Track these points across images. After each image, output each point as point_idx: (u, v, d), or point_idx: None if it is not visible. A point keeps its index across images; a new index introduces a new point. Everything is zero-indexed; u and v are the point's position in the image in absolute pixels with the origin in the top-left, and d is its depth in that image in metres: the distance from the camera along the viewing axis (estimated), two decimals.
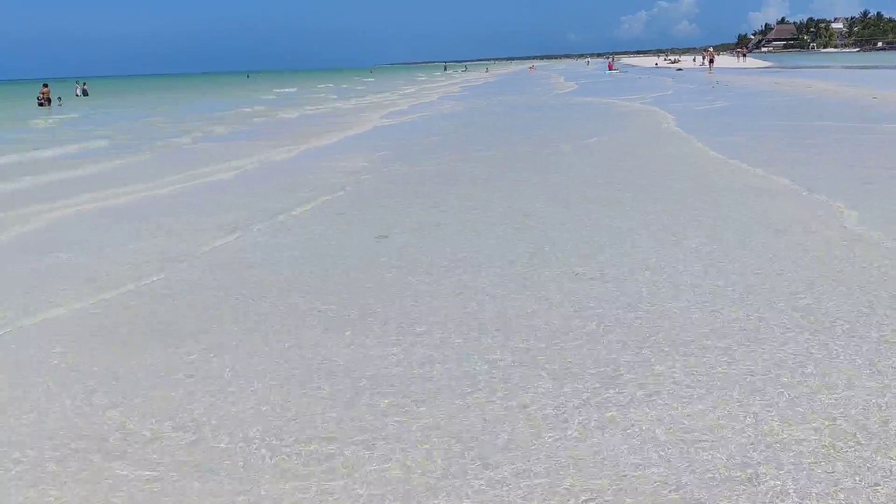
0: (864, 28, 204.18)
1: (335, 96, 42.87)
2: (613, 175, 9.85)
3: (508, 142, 14.54)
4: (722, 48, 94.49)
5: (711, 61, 64.86)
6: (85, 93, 56.34)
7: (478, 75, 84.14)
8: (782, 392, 3.30)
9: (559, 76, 66.35)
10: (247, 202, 8.66)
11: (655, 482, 2.64)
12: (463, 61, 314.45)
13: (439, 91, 43.26)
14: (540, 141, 14.20)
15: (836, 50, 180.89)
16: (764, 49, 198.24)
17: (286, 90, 55.79)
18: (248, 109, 30.31)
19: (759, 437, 2.91)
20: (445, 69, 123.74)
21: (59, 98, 43.17)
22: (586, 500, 2.56)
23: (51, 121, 28.38)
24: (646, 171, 10.09)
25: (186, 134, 19.37)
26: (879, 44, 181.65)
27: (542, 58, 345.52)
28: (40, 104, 40.37)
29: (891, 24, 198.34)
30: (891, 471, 2.65)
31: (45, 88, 42.28)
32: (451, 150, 13.93)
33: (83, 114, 33.28)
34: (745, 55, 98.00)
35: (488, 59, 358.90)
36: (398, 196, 9.06)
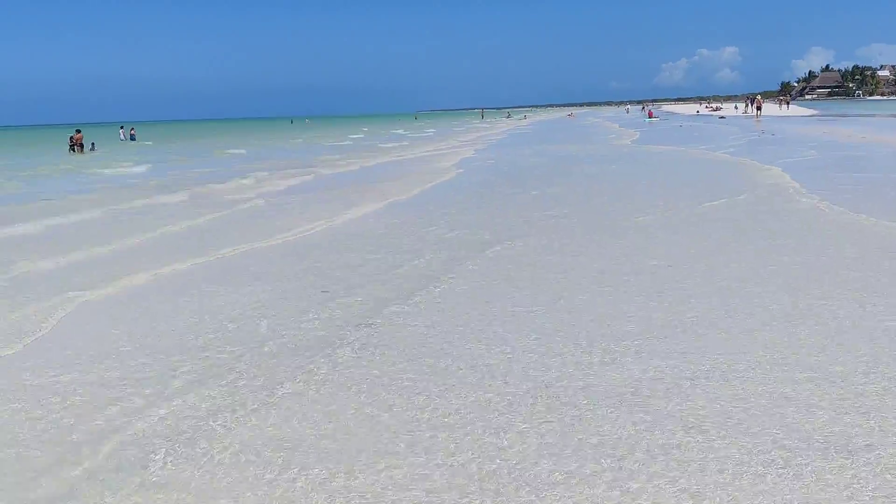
0: None
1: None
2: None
3: (600, 209, 11.77)
4: (764, 95, 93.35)
5: (759, 108, 64.18)
6: (132, 137, 57.47)
7: (516, 122, 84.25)
8: None
9: (608, 122, 66.39)
10: None
11: None
12: (502, 108, 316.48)
13: (485, 140, 41.48)
14: (641, 205, 11.67)
15: (882, 98, 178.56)
16: (808, 97, 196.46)
17: (355, 135, 56.79)
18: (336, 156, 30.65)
19: None
20: (483, 116, 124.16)
21: (93, 144, 42.41)
22: None
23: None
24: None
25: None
26: None
27: (581, 104, 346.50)
28: (72, 150, 39.36)
29: None
30: None
31: (78, 134, 41.02)
32: (521, 222, 10.39)
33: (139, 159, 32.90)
34: (787, 103, 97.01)
35: (526, 106, 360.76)
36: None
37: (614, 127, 52.54)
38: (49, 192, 17.76)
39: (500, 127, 68.47)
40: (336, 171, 22.43)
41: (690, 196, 12.61)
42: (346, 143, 45.17)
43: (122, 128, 61.22)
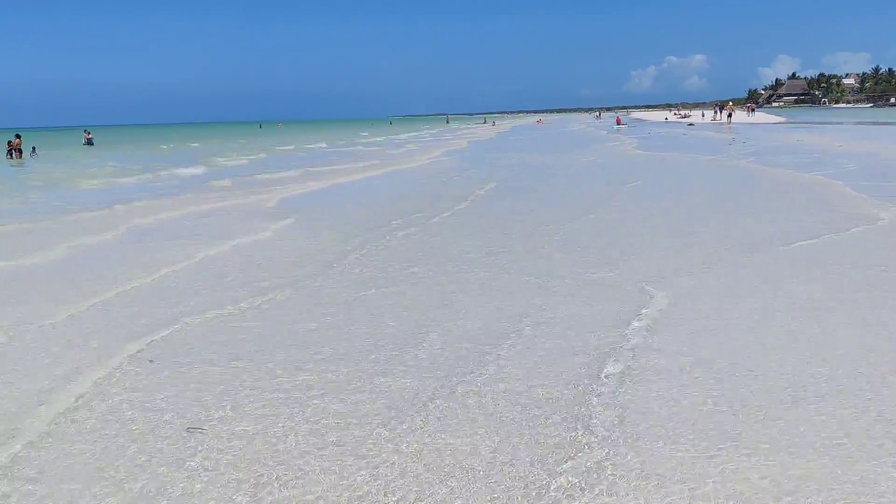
0: (876, 84, 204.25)
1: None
2: None
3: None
4: (732, 103, 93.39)
5: (730, 115, 64.93)
6: (90, 142, 55.74)
7: (487, 128, 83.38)
8: None
9: (589, 128, 65.82)
10: None
11: None
12: (473, 113, 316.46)
13: (466, 149, 39.80)
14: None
15: (848, 105, 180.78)
16: (775, 104, 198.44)
17: (323, 142, 55.25)
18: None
19: None
20: (448, 122, 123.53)
21: (34, 149, 39.36)
22: None
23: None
24: None
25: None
26: (892, 99, 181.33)
27: (551, 111, 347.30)
28: (9, 155, 36.08)
29: None
30: None
31: (17, 139, 37.50)
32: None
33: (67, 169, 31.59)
34: (753, 110, 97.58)
35: (497, 112, 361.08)
36: None
37: (601, 133, 51.87)
38: None
39: (478, 133, 67.46)
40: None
41: (773, 227, 10.03)
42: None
43: (85, 132, 59.47)
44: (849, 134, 38.25)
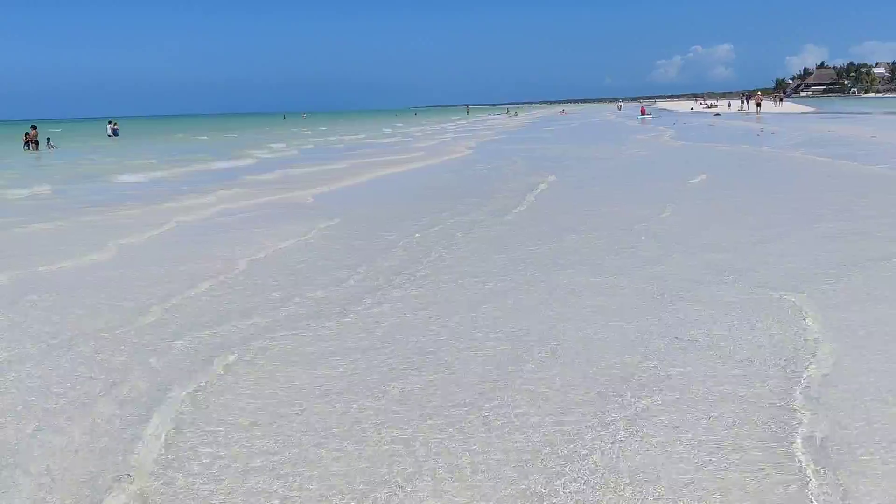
0: None
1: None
2: None
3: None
4: (761, 93, 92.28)
5: (759, 105, 63.91)
6: (115, 132, 56.08)
7: (513, 119, 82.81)
8: None
9: (619, 118, 65.14)
10: None
11: None
12: (496, 104, 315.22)
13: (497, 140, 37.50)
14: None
15: (878, 95, 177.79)
16: (803, 94, 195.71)
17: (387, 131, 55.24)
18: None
19: None
20: (468, 112, 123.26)
21: (48, 140, 39.94)
22: None
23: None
24: None
25: None
26: None
27: (575, 101, 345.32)
28: (26, 146, 36.74)
29: None
30: None
31: (34, 130, 38.06)
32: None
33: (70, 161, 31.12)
34: (781, 100, 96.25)
35: (520, 103, 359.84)
36: None
37: (630, 124, 51.22)
38: None
39: (507, 123, 66.97)
40: None
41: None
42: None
43: (109, 122, 59.73)
44: (880, 124, 37.46)
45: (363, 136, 47.05)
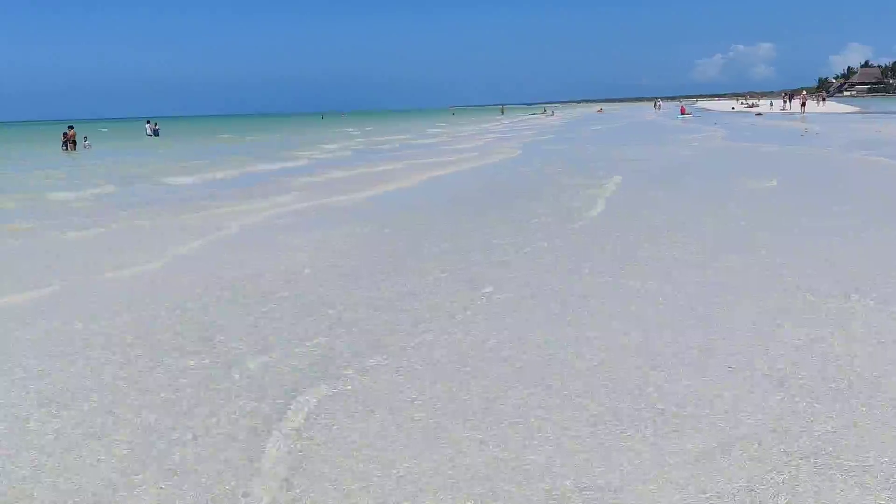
0: None
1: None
2: None
3: None
4: (806, 91, 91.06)
5: (803, 104, 62.79)
6: (156, 132, 56.93)
7: (551, 119, 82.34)
8: None
9: (662, 118, 64.39)
10: None
11: None
12: (531, 104, 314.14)
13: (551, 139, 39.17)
14: None
15: None
16: (847, 93, 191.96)
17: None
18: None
19: None
20: (503, 112, 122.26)
21: (86, 138, 40.21)
22: None
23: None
24: None
25: None
26: None
27: (611, 101, 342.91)
28: (64, 147, 37.23)
29: None
30: None
31: (71, 130, 38.19)
32: None
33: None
34: (824, 99, 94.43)
35: (556, 102, 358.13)
36: None
37: (673, 123, 50.56)
38: None
39: (546, 122, 66.64)
40: None
41: None
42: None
43: (147, 122, 60.61)
44: None
45: (408, 135, 47.12)
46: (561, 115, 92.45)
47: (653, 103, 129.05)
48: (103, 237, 10.56)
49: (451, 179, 17.77)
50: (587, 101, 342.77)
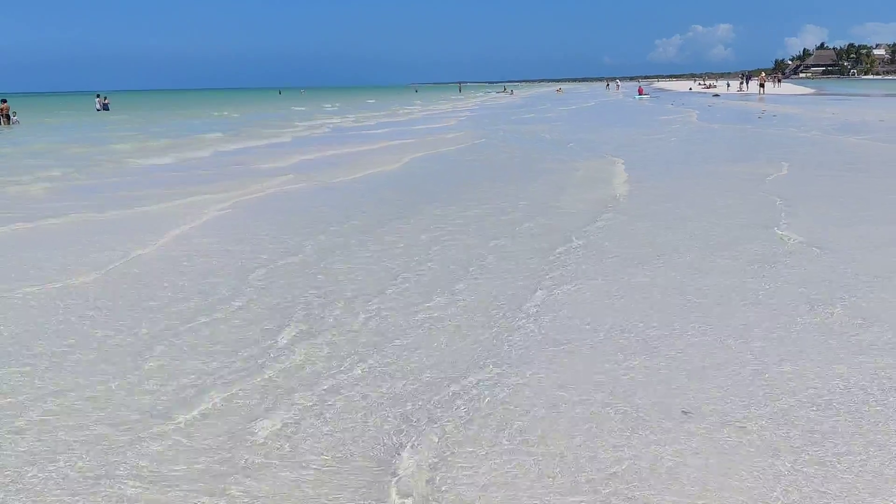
0: None
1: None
2: None
3: None
4: (756, 73, 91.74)
5: (762, 85, 62.95)
6: (105, 107, 55.37)
7: (512, 97, 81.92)
8: None
9: (628, 98, 64.19)
10: None
11: None
12: (494, 82, 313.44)
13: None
14: None
15: (878, 77, 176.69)
16: (802, 75, 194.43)
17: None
18: None
19: None
20: (460, 91, 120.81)
21: (15, 113, 37.64)
22: None
23: None
24: None
25: None
26: None
27: (573, 80, 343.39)
28: None
29: None
30: None
31: (4, 104, 36.64)
32: None
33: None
34: (779, 80, 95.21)
35: (516, 81, 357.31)
36: None
37: (632, 103, 50.34)
38: None
39: (508, 101, 66.13)
40: None
41: None
42: None
43: (97, 96, 58.85)
44: (883, 107, 36.85)
45: (383, 113, 46.15)
46: (521, 94, 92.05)
47: (605, 84, 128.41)
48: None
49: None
50: (547, 81, 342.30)
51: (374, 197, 11.34)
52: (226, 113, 50.90)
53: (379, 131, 27.96)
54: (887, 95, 55.67)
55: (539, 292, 5.77)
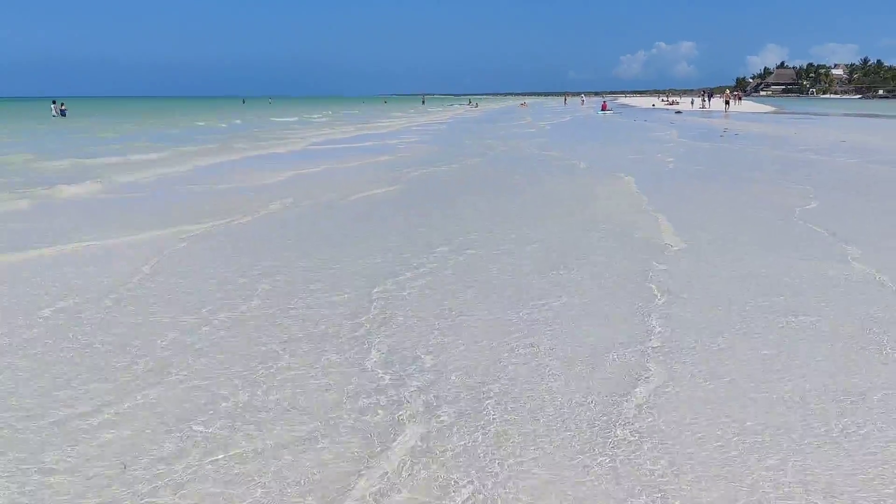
0: (864, 75, 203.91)
1: None
2: None
3: None
4: (719, 90, 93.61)
5: (727, 103, 62.51)
6: (63, 113, 54.31)
7: (466, 109, 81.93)
8: None
9: (595, 115, 64.21)
10: None
11: None
12: (460, 94, 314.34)
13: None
14: None
15: (836, 96, 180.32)
16: (763, 93, 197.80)
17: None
18: None
19: None
20: (423, 102, 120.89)
21: None
22: None
23: None
24: None
25: None
26: (881, 91, 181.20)
27: (539, 94, 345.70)
28: None
29: (891, 73, 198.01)
30: None
31: None
32: None
33: None
34: (740, 98, 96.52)
35: (483, 94, 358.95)
36: None
37: (596, 118, 50.02)
38: None
39: (473, 113, 65.97)
40: None
41: None
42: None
43: (53, 103, 57.71)
44: (843, 127, 37.22)
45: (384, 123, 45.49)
46: (486, 107, 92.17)
47: (577, 98, 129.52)
48: None
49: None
50: (513, 94, 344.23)
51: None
52: (214, 120, 50.12)
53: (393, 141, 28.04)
54: (845, 115, 56.55)
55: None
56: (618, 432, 3.66)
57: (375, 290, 6.27)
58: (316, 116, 59.98)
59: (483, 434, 3.64)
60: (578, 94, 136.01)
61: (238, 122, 49.22)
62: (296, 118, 55.84)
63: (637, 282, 6.57)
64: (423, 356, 4.73)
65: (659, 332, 5.19)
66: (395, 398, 4.09)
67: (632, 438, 3.59)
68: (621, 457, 3.41)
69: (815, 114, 60.51)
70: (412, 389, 4.21)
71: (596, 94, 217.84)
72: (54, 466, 3.37)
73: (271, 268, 7.12)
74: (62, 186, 13.79)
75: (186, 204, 11.80)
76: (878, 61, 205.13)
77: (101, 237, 8.78)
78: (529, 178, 15.25)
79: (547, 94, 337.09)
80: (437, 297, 6.08)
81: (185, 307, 5.83)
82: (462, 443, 3.56)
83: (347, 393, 4.17)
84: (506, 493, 3.13)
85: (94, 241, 8.54)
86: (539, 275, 6.83)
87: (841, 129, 35.15)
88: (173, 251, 7.97)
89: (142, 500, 3.08)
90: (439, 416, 3.85)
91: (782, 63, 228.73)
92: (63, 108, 55.97)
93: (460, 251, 7.89)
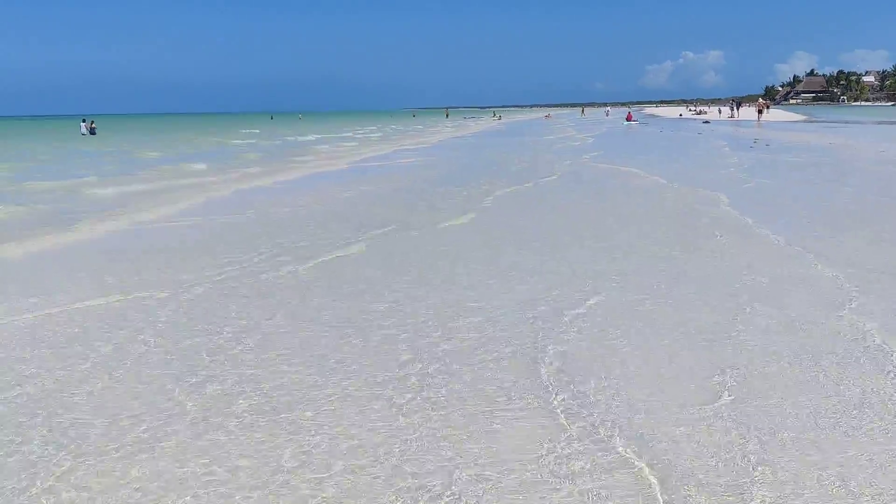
0: None
1: None
2: None
3: None
4: (748, 99, 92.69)
5: (760, 112, 60.76)
6: (92, 131, 54.76)
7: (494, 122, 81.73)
8: None
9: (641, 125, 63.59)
10: None
11: None
12: (484, 107, 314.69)
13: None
14: None
15: (868, 104, 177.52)
16: (793, 101, 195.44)
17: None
18: None
19: None
20: (447, 115, 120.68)
21: None
22: None
23: None
24: None
25: None
26: None
27: (566, 105, 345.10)
28: None
29: None
30: None
31: None
32: None
33: None
34: (768, 107, 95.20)
35: (510, 107, 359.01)
36: None
37: (655, 131, 49.07)
38: None
39: (496, 125, 65.69)
40: None
41: None
42: None
43: (83, 121, 58.32)
44: (881, 136, 36.14)
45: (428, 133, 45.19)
46: (508, 119, 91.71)
47: (602, 108, 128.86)
48: None
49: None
50: (539, 106, 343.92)
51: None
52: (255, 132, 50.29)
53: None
54: (880, 123, 55.23)
55: None
56: None
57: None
58: (367, 130, 61.34)
59: None
60: (596, 105, 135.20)
61: (312, 137, 48.10)
62: (350, 132, 56.02)
63: None
64: None
65: None
66: None
67: None
68: None
69: (851, 122, 59.07)
70: None
71: (622, 104, 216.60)
72: None
73: None
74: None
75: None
76: None
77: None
78: (628, 199, 13.24)
79: (573, 105, 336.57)
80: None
81: None
82: None
83: None
84: None
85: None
86: None
87: (876, 137, 34.26)
88: None
89: None
90: None
91: (812, 71, 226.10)
92: (93, 125, 56.48)
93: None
